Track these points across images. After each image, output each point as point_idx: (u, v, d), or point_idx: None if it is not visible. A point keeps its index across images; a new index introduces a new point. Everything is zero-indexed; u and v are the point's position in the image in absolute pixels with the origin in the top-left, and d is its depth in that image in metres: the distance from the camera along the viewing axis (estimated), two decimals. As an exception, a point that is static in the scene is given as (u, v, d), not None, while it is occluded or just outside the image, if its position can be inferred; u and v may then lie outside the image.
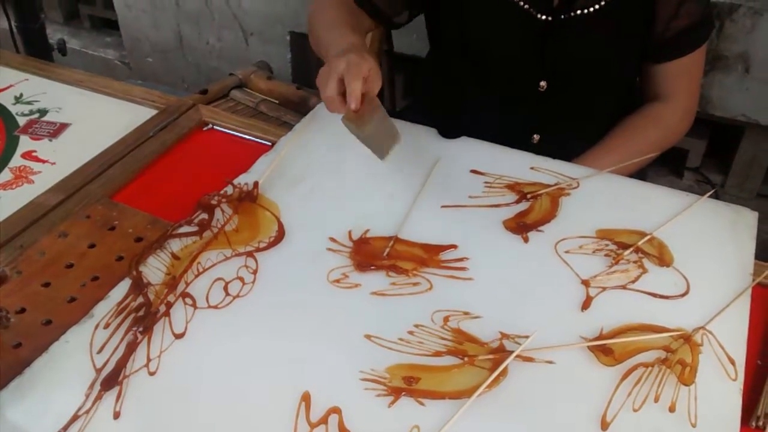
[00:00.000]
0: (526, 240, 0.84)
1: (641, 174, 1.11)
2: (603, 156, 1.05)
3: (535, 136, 1.13)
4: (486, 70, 1.09)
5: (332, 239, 0.84)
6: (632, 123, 1.09)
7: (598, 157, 1.05)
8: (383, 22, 1.16)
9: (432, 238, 0.84)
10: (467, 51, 1.09)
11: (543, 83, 1.06)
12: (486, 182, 0.94)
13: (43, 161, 1.01)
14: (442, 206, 0.89)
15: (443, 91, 1.21)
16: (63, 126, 1.09)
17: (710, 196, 0.90)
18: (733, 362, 0.69)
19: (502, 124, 1.10)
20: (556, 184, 0.93)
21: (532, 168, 0.96)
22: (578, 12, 0.99)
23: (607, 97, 1.13)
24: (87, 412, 0.64)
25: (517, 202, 0.90)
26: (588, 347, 0.70)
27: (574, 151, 1.07)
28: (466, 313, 0.74)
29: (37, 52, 1.85)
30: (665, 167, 2.08)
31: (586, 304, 0.75)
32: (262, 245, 0.83)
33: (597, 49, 1.04)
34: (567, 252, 0.82)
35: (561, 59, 1.04)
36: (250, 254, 0.82)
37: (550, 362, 0.69)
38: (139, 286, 0.77)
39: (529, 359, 0.69)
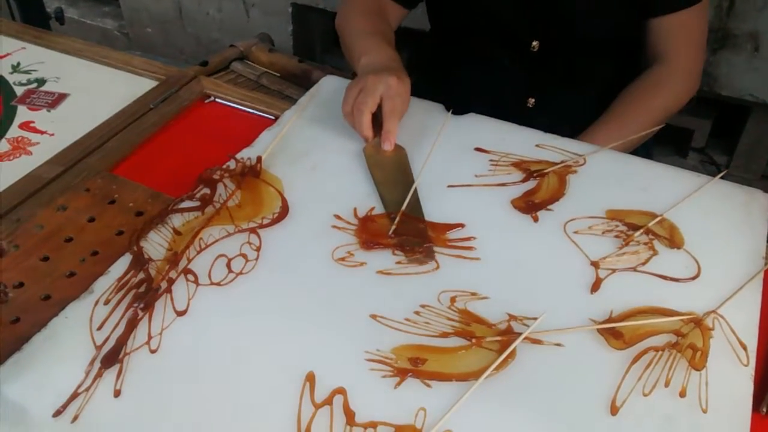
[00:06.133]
0: (535, 219, 0.82)
1: (647, 153, 1.10)
2: (606, 130, 1.03)
3: (530, 99, 1.12)
4: (478, 32, 1.08)
5: (337, 216, 0.82)
6: (633, 92, 1.06)
7: (601, 131, 1.03)
8: (407, 4, 1.16)
9: (439, 217, 0.82)
10: (460, 14, 1.08)
11: (535, 43, 1.05)
12: (491, 160, 0.92)
13: (42, 132, 0.99)
14: (449, 186, 0.87)
15: (443, 62, 1.20)
16: (62, 96, 1.06)
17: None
18: (744, 347, 0.68)
19: (497, 88, 1.09)
20: (562, 162, 0.91)
21: (537, 145, 0.94)
22: None
23: (605, 60, 1.11)
24: (87, 389, 0.63)
25: (524, 180, 0.89)
26: (597, 330, 0.69)
27: (572, 117, 1.06)
28: (473, 294, 0.73)
29: (35, 20, 1.81)
30: (670, 147, 2.06)
31: (595, 286, 0.74)
32: (265, 221, 0.81)
33: (586, 8, 1.03)
34: (576, 232, 0.81)
35: (550, 18, 1.03)
36: (253, 230, 0.80)
37: (559, 345, 0.68)
38: (140, 261, 0.75)
39: (538, 342, 0.68)
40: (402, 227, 0.80)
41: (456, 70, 1.18)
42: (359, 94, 0.90)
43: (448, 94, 1.05)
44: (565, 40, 1.06)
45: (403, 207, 0.82)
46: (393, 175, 0.88)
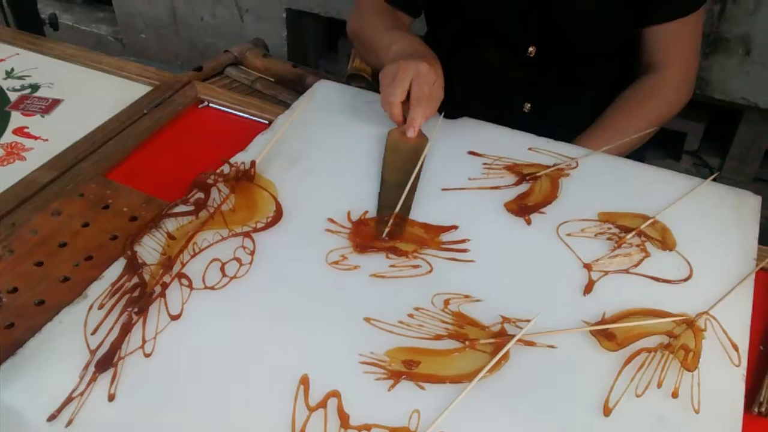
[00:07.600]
0: (528, 222, 0.83)
1: (639, 156, 1.11)
2: (600, 135, 1.04)
3: (527, 104, 1.12)
4: (475, 37, 1.09)
5: (331, 220, 0.82)
6: (627, 99, 1.07)
7: (595, 136, 1.04)
8: (414, 13, 1.16)
9: (432, 221, 0.83)
10: (457, 18, 1.08)
11: (531, 49, 1.06)
12: (485, 164, 0.92)
13: (36, 138, 0.99)
14: (442, 189, 0.88)
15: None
16: (55, 102, 1.07)
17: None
18: (736, 348, 0.68)
19: (493, 93, 1.09)
20: (554, 165, 0.91)
21: (530, 149, 0.95)
22: None
23: (602, 66, 1.12)
24: (81, 394, 0.63)
25: (517, 183, 0.89)
26: (590, 332, 0.70)
27: (568, 122, 1.06)
28: (466, 297, 0.73)
29: (28, 26, 1.81)
30: (663, 150, 2.07)
31: (588, 288, 0.75)
32: (259, 225, 0.82)
33: (583, 14, 1.03)
34: (569, 235, 0.81)
35: (547, 24, 1.04)
36: (247, 234, 0.80)
37: (552, 347, 0.68)
38: (134, 266, 0.76)
39: (531, 344, 0.68)
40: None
41: (453, 75, 1.19)
42: (391, 82, 0.91)
43: (445, 98, 1.05)
44: (561, 46, 1.07)
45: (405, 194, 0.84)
46: (402, 163, 0.89)
